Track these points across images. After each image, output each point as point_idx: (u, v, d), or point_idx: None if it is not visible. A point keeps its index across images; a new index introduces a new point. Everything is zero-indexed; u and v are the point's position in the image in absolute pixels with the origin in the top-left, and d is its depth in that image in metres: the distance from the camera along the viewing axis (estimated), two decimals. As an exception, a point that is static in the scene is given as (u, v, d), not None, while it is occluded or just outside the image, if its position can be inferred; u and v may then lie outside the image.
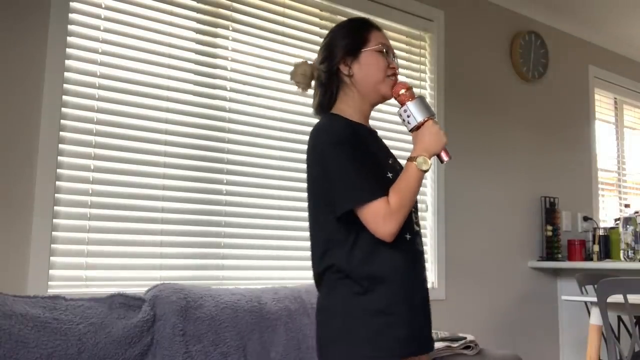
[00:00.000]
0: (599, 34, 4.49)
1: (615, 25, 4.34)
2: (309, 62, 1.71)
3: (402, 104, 1.63)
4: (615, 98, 4.76)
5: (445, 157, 1.61)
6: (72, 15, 2.29)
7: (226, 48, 2.69)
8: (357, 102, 1.68)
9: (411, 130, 1.62)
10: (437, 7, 3.51)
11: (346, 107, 1.68)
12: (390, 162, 1.65)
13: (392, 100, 1.71)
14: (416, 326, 1.56)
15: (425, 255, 3.28)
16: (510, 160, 3.82)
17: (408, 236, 1.59)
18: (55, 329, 1.84)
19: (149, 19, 2.48)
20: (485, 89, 3.74)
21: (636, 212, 3.75)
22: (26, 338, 1.77)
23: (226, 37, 2.69)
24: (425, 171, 1.56)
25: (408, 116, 1.61)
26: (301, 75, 1.67)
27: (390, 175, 1.59)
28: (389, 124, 3.22)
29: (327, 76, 1.67)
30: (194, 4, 2.61)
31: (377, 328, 1.50)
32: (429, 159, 1.57)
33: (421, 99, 1.64)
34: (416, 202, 1.68)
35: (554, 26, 4.20)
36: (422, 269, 1.63)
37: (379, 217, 1.48)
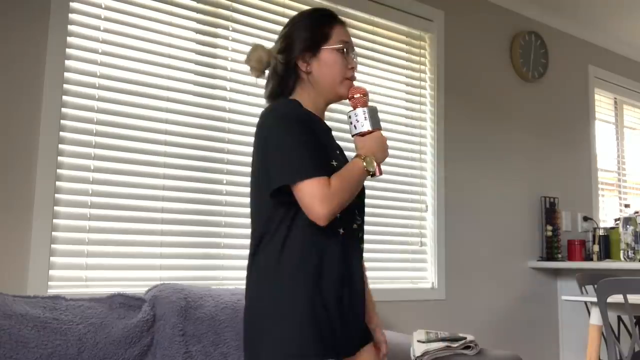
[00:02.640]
0: (599, 34, 4.49)
1: (615, 25, 4.34)
2: (266, 47, 1.66)
3: (355, 106, 1.61)
4: (615, 98, 4.76)
5: (377, 173, 1.56)
6: (72, 15, 2.29)
7: (226, 48, 2.69)
8: (312, 97, 1.63)
9: (355, 135, 1.60)
10: (437, 7, 3.51)
11: (301, 99, 1.63)
12: (337, 153, 1.60)
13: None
14: (336, 325, 1.49)
15: (424, 256, 3.31)
16: (510, 160, 3.82)
17: (341, 231, 1.53)
18: (55, 329, 1.84)
19: (148, 19, 2.48)
20: (485, 89, 3.74)
21: (636, 212, 3.75)
22: (26, 338, 1.77)
23: (226, 37, 2.69)
24: (369, 173, 1.52)
25: (360, 120, 1.59)
26: (256, 61, 1.62)
27: (335, 163, 1.54)
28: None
29: (284, 68, 1.61)
30: (194, 4, 2.61)
31: (299, 324, 1.44)
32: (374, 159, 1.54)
33: (375, 109, 1.62)
34: (363, 204, 1.65)
35: (554, 26, 4.20)
36: (354, 266, 1.57)
37: (316, 196, 1.41)
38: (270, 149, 1.49)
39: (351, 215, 1.58)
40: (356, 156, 1.54)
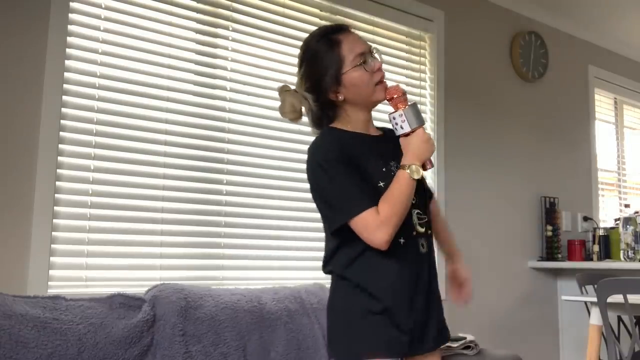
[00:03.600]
0: (599, 34, 4.49)
1: (615, 25, 4.34)
2: (291, 87, 1.70)
3: (395, 107, 1.63)
4: (615, 98, 4.76)
5: (428, 166, 1.63)
6: (72, 16, 2.29)
7: (226, 48, 2.69)
8: (353, 116, 1.69)
9: (400, 136, 1.64)
10: (437, 7, 3.51)
11: (344, 121, 1.69)
12: (384, 170, 1.64)
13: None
14: (413, 327, 1.59)
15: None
16: (510, 160, 3.82)
17: (402, 240, 1.60)
18: (55, 329, 1.84)
19: (148, 19, 2.48)
20: (485, 89, 3.74)
21: (636, 212, 3.75)
22: (26, 338, 1.77)
23: (226, 37, 2.69)
24: (417, 180, 1.58)
25: (402, 121, 1.61)
26: (291, 112, 1.68)
27: (382, 184, 1.60)
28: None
29: (320, 107, 1.67)
30: (194, 4, 2.61)
31: (371, 327, 1.56)
32: (420, 166, 1.59)
33: (415, 106, 1.64)
34: (424, 204, 1.71)
35: (554, 26, 4.20)
36: (423, 270, 1.64)
37: (369, 227, 1.53)
38: (318, 193, 1.62)
39: (407, 223, 1.62)
40: (400, 167, 1.59)
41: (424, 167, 1.62)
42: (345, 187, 1.56)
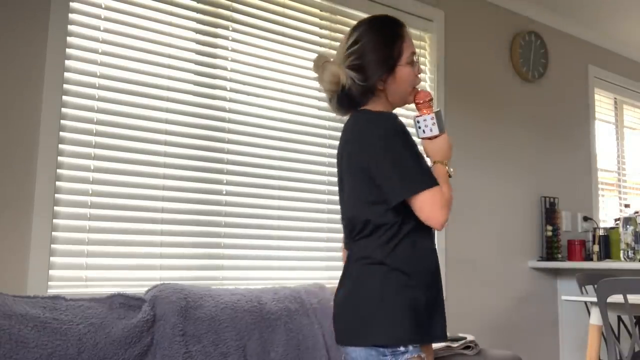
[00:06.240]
0: (599, 34, 4.49)
1: (615, 25, 4.34)
2: (331, 60, 1.66)
3: (421, 111, 1.69)
4: (615, 98, 4.76)
5: (453, 174, 1.71)
6: (72, 16, 2.29)
7: (226, 48, 2.69)
8: (385, 106, 1.70)
9: (424, 138, 1.70)
10: (437, 7, 3.51)
11: (376, 107, 1.69)
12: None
13: None
14: (434, 314, 1.61)
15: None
16: (510, 160, 3.82)
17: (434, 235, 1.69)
18: (55, 329, 1.84)
19: (148, 19, 2.48)
20: (485, 89, 3.74)
21: (636, 212, 3.75)
22: (26, 338, 1.77)
23: (226, 37, 2.69)
24: (449, 176, 1.66)
25: (428, 125, 1.67)
26: (331, 82, 1.63)
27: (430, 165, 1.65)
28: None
29: (362, 90, 1.64)
30: (194, 4, 2.61)
31: (400, 313, 1.55)
32: (447, 161, 1.68)
33: (440, 113, 1.71)
34: None
35: (554, 26, 4.20)
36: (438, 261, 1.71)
37: (436, 204, 1.53)
38: (388, 159, 1.55)
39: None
40: (435, 163, 1.66)
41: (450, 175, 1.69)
42: (418, 160, 1.57)
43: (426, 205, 1.53)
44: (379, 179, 1.57)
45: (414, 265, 1.58)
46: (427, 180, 1.55)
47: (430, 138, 1.68)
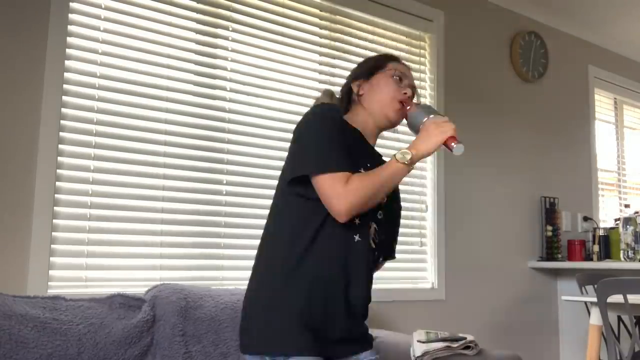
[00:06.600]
0: (599, 34, 4.49)
1: (615, 25, 4.34)
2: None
3: (407, 110, 1.65)
4: (615, 98, 4.75)
5: (453, 144, 1.52)
6: (72, 16, 2.29)
7: (226, 48, 2.69)
8: (361, 118, 1.68)
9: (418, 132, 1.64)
10: (437, 7, 3.51)
11: (350, 117, 1.68)
12: (368, 165, 1.58)
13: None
14: (323, 327, 1.51)
15: (424, 256, 3.31)
16: (510, 160, 3.82)
17: (357, 238, 1.54)
18: (55, 329, 1.84)
19: (148, 19, 2.48)
20: (485, 89, 3.74)
21: (636, 212, 3.75)
22: (26, 338, 1.77)
23: (226, 37, 2.69)
24: (405, 164, 1.49)
25: (414, 118, 1.62)
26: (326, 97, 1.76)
27: (361, 171, 1.54)
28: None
29: (344, 91, 1.74)
30: (194, 4, 2.61)
31: (287, 319, 1.49)
32: (413, 151, 1.50)
33: (425, 105, 1.68)
34: (391, 223, 1.74)
35: (554, 26, 4.20)
36: (358, 274, 1.55)
37: (337, 189, 1.43)
38: (297, 142, 1.53)
39: (367, 227, 1.57)
40: (398, 157, 1.50)
41: (448, 148, 1.52)
42: (328, 143, 1.48)
43: (327, 187, 1.45)
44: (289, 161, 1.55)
45: None
46: (329, 163, 1.45)
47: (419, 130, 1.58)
